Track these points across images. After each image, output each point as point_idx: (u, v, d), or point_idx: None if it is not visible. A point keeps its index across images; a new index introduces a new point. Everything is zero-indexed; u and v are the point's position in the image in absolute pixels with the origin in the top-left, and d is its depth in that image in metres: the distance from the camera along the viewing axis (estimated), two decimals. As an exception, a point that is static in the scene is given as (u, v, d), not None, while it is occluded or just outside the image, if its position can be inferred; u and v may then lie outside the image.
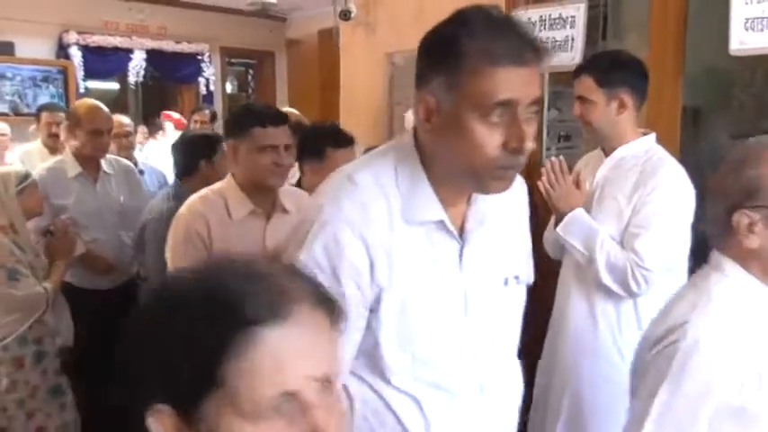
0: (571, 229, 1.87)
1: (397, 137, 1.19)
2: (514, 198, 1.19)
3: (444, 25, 1.01)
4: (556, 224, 1.96)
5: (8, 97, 5.75)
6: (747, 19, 2.32)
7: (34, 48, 5.89)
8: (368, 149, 3.70)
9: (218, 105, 7.00)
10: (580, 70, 1.95)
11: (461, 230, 1.10)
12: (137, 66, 6.54)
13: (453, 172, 1.04)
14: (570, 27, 3.02)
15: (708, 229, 1.09)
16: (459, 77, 0.96)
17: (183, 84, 7.19)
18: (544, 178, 1.97)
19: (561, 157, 2.02)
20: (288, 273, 0.68)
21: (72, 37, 6.08)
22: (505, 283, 1.16)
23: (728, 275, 1.03)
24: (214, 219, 1.84)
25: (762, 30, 2.36)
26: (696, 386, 0.96)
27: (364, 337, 1.07)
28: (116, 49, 6.42)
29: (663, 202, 1.77)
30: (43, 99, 5.65)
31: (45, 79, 5.93)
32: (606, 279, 1.80)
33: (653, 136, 1.91)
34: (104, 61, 6.38)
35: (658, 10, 2.69)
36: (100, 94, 6.42)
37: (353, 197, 1.05)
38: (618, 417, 1.86)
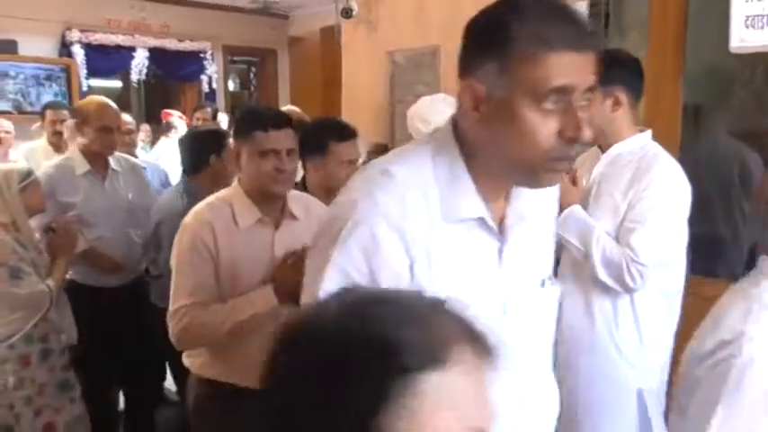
0: (567, 225, 1.88)
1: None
2: (548, 192, 1.12)
3: (494, 9, 0.95)
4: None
5: (11, 96, 5.77)
6: (748, 16, 2.32)
7: (37, 46, 5.91)
8: (371, 148, 3.72)
9: (221, 103, 7.02)
10: None
11: (500, 227, 1.04)
12: (139, 64, 6.56)
13: (501, 164, 0.97)
14: (571, 25, 3.02)
15: (755, 235, 1.05)
16: (512, 62, 0.90)
17: (186, 82, 7.20)
18: None
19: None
20: (438, 308, 0.62)
21: (75, 35, 6.10)
22: (542, 284, 1.11)
23: None
24: (220, 227, 1.78)
25: (762, 27, 2.36)
26: (753, 402, 0.91)
27: None
28: (119, 48, 6.43)
29: (658, 198, 1.78)
30: (46, 97, 5.67)
31: (48, 77, 5.94)
32: (602, 274, 1.81)
33: (649, 133, 1.92)
34: (107, 59, 6.40)
35: (659, 8, 2.70)
36: (102, 93, 6.39)
37: (389, 190, 0.97)
38: (614, 412, 1.89)
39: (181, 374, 2.08)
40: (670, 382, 1.84)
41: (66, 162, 2.83)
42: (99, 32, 6.24)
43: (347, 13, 4.22)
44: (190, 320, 1.73)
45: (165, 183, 3.83)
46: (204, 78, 7.05)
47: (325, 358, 0.57)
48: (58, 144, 3.97)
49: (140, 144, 5.29)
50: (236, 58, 7.92)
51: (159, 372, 3.04)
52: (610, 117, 1.87)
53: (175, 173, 4.39)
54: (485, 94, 0.94)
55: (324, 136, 2.18)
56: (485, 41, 0.94)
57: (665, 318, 1.85)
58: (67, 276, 2.76)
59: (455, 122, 1.03)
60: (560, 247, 2.03)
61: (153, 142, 5.80)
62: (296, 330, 0.62)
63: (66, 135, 3.82)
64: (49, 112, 4.10)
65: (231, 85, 8.15)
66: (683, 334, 1.77)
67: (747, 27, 2.33)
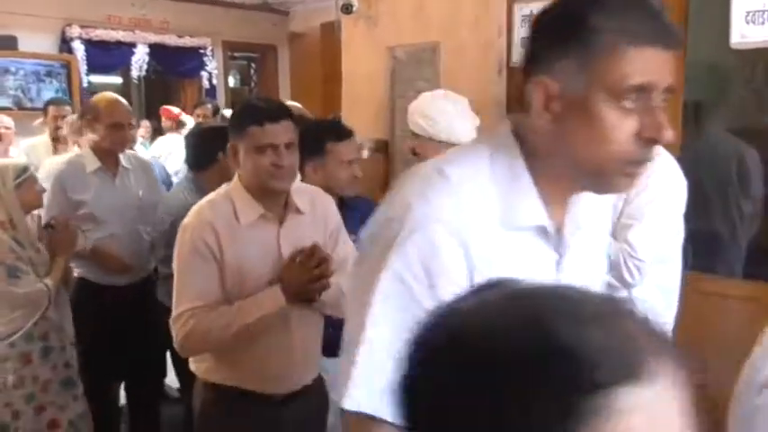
0: None
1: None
2: (604, 199, 1.06)
3: (568, 0, 0.90)
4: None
5: (11, 92, 5.77)
6: (748, 12, 2.32)
7: (37, 42, 5.91)
8: (372, 145, 3.71)
9: (221, 99, 7.02)
10: None
11: (557, 237, 0.97)
12: (139, 60, 6.56)
13: (570, 167, 0.91)
14: (572, 21, 3.01)
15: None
16: (590, 58, 0.85)
17: (186, 78, 7.20)
18: None
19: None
20: (620, 309, 0.51)
21: (75, 31, 6.10)
22: None
23: None
24: (223, 225, 1.70)
25: (763, 23, 2.36)
26: None
27: None
28: (119, 44, 6.43)
29: (654, 194, 1.78)
30: (46, 93, 5.68)
31: (48, 74, 5.94)
32: None
33: None
34: (107, 55, 6.40)
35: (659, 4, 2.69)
36: (102, 89, 6.42)
37: (445, 192, 0.91)
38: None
39: (184, 371, 2.07)
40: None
41: (77, 159, 2.81)
42: (99, 28, 6.24)
43: (347, 8, 4.21)
44: (194, 325, 1.65)
45: (166, 179, 3.83)
46: (204, 74, 7.06)
47: (491, 375, 0.46)
48: (58, 140, 3.98)
49: (140, 140, 5.30)
50: (236, 54, 7.92)
51: (161, 369, 3.05)
52: None
53: (174, 169, 4.42)
54: (558, 92, 0.88)
55: (321, 136, 2.17)
56: (559, 35, 0.88)
57: (664, 314, 1.86)
58: (75, 274, 2.77)
59: (515, 121, 0.97)
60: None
61: (152, 138, 5.81)
62: (443, 339, 0.50)
63: (65, 131, 3.82)
64: (51, 108, 4.11)
65: (231, 82, 8.15)
66: (682, 330, 1.78)
67: (748, 23, 2.33)
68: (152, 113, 6.79)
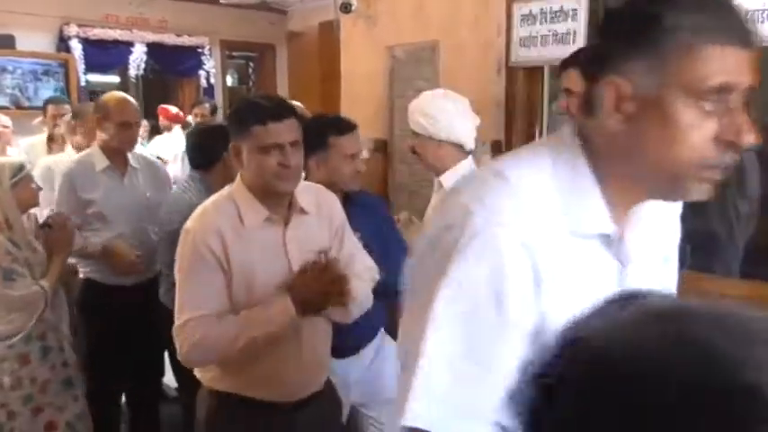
0: None
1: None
2: (670, 207, 1.02)
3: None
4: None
5: (9, 91, 5.76)
6: (748, 12, 2.32)
7: (35, 41, 5.90)
8: (372, 145, 3.70)
9: (219, 98, 7.02)
10: (566, 63, 1.97)
11: (620, 243, 0.93)
12: (137, 59, 6.55)
13: (642, 171, 0.87)
14: (572, 20, 3.02)
15: None
16: (666, 57, 0.81)
17: (184, 77, 7.19)
18: None
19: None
20: None
21: (72, 30, 6.09)
22: None
23: None
24: (228, 230, 1.63)
25: (762, 22, 2.37)
26: None
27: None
28: (116, 43, 6.42)
29: None
30: (44, 92, 5.67)
31: (46, 72, 5.93)
32: None
33: None
34: (105, 54, 6.39)
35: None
36: (101, 88, 6.43)
37: (504, 194, 0.87)
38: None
39: (182, 371, 2.05)
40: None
41: (87, 158, 2.81)
42: (97, 27, 6.23)
43: (346, 7, 4.21)
44: (200, 337, 1.59)
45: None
46: (202, 73, 7.05)
47: (657, 413, 0.41)
48: (53, 139, 3.96)
49: (138, 139, 5.27)
50: (234, 54, 7.91)
51: (159, 368, 3.04)
52: None
53: (173, 168, 4.40)
54: (631, 93, 0.84)
55: (323, 131, 2.14)
56: (631, 33, 0.85)
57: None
58: (81, 275, 2.76)
59: (579, 123, 0.93)
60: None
61: (149, 137, 5.79)
62: (584, 370, 0.45)
63: (62, 130, 3.81)
64: (50, 107, 4.09)
65: (229, 81, 8.14)
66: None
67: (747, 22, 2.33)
68: (150, 112, 6.77)
